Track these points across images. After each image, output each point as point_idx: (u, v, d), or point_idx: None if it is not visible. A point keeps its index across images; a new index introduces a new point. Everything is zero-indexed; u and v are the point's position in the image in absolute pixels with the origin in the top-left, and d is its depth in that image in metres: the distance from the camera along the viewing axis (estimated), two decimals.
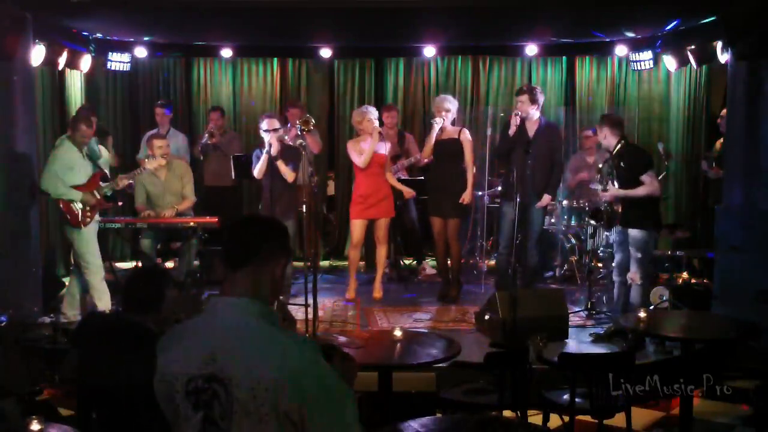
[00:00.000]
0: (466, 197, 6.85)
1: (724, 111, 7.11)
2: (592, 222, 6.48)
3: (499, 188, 7.47)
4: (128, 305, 3.45)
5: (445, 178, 6.93)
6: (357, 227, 7.01)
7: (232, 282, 1.99)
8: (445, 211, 6.93)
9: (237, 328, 1.91)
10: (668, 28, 7.90)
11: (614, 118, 6.30)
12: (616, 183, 6.11)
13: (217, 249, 6.84)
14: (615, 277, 6.30)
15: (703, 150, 8.35)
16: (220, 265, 2.05)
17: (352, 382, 2.21)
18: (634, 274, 6.03)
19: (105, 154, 7.32)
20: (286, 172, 6.70)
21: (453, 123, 7.09)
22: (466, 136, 6.96)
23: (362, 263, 8.24)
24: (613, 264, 6.39)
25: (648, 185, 5.97)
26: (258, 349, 1.87)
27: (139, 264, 7.32)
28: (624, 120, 6.60)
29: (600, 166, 6.41)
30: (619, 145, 6.09)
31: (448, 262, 7.23)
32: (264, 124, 6.69)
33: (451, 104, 6.99)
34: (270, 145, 6.61)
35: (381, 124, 7.81)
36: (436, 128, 6.90)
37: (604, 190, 6.07)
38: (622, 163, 6.00)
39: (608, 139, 6.12)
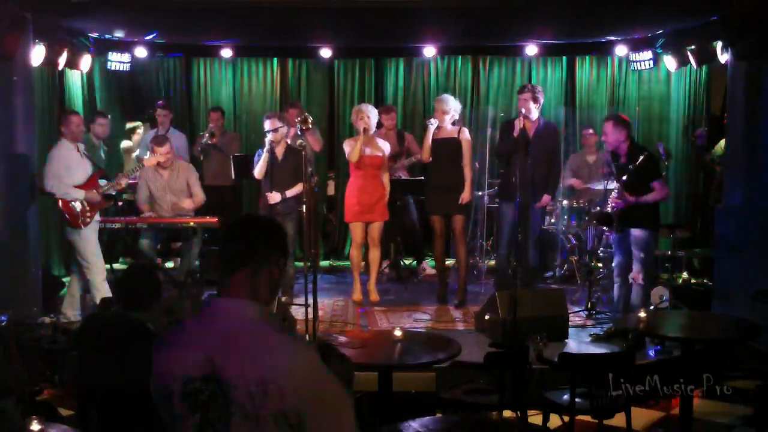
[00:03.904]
0: (464, 197, 6.83)
1: None
2: (604, 228, 6.38)
3: (497, 188, 7.45)
4: (124, 302, 3.47)
5: (447, 177, 6.87)
6: (356, 228, 6.96)
7: (230, 283, 1.98)
8: (449, 208, 6.88)
9: (235, 330, 1.90)
10: (668, 28, 7.90)
11: (622, 118, 6.08)
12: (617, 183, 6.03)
13: (217, 249, 6.87)
14: (615, 278, 6.24)
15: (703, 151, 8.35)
16: (218, 266, 2.03)
17: (351, 383, 2.20)
18: (636, 275, 5.96)
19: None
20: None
21: (453, 123, 7.06)
22: (465, 135, 6.90)
23: (363, 263, 8.22)
24: (613, 264, 6.33)
25: (659, 191, 5.89)
26: (256, 351, 1.86)
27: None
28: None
29: (608, 168, 6.29)
30: (630, 149, 5.93)
31: (446, 263, 7.21)
32: (267, 124, 6.72)
33: (448, 105, 6.91)
34: (271, 144, 6.62)
35: (380, 125, 7.81)
36: (431, 129, 6.85)
37: (619, 198, 5.89)
38: (631, 166, 5.83)
39: (620, 141, 5.95)
